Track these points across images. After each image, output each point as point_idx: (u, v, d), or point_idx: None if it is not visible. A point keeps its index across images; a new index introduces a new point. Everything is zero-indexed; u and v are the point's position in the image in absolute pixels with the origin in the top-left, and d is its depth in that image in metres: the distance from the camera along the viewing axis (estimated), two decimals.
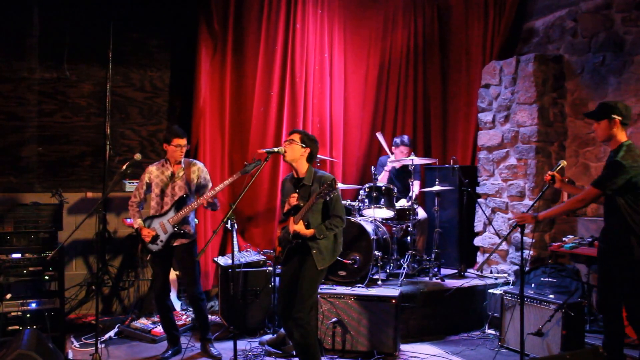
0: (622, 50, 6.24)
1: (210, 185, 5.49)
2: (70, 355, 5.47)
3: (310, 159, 4.75)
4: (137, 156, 5.21)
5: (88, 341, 5.79)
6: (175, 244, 5.33)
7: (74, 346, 5.71)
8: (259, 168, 4.68)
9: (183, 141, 5.29)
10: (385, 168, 7.22)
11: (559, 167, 4.85)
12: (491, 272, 7.07)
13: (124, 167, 5.15)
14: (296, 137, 4.70)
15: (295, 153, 4.68)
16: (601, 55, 6.46)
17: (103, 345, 5.66)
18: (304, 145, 4.67)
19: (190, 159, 5.54)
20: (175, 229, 5.25)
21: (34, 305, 5.57)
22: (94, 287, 6.70)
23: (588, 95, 6.58)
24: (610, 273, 4.63)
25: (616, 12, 6.32)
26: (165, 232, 5.25)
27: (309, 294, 4.64)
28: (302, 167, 4.73)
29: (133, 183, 6.48)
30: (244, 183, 4.66)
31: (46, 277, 5.71)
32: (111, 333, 6.00)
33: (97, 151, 6.92)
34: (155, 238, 5.23)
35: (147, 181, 5.38)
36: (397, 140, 7.30)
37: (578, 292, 5.81)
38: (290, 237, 4.63)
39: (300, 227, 4.52)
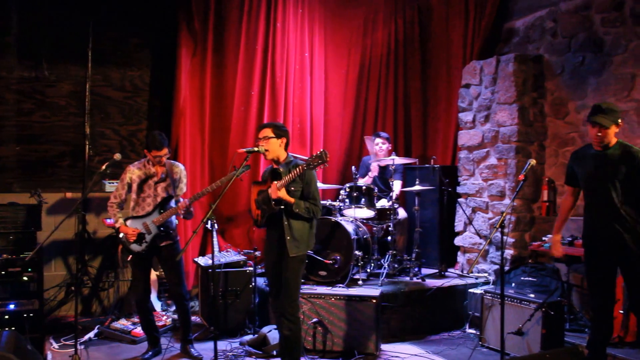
0: (602, 50, 6.27)
1: (185, 190, 5.48)
2: (50, 357, 5.43)
3: (286, 146, 4.83)
4: (117, 156, 5.18)
5: (67, 342, 5.76)
6: (161, 244, 5.30)
7: (53, 347, 5.67)
8: (242, 172, 4.67)
9: (162, 152, 5.22)
10: (370, 174, 7.22)
11: (529, 165, 4.87)
12: (471, 272, 7.09)
13: (104, 167, 5.13)
14: (269, 132, 4.73)
15: (275, 147, 4.74)
16: (581, 55, 6.49)
17: (82, 347, 5.61)
18: (278, 137, 4.73)
19: (172, 161, 5.51)
20: (161, 230, 5.23)
21: (12, 306, 5.48)
22: (73, 287, 6.64)
23: (568, 96, 6.61)
24: (612, 270, 4.68)
25: (595, 12, 6.35)
26: (150, 233, 5.21)
27: (294, 286, 4.73)
28: (282, 156, 4.81)
29: (113, 183, 6.44)
30: (225, 182, 4.65)
31: (25, 278, 5.63)
32: (91, 334, 5.96)
33: (77, 151, 6.87)
34: (140, 238, 5.19)
35: (129, 181, 5.32)
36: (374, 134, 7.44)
37: (558, 291, 5.84)
38: (273, 203, 4.64)
39: (283, 194, 4.56)
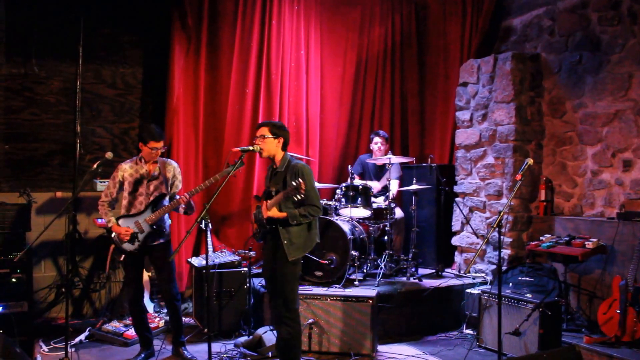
0: (599, 49, 6.24)
1: (180, 187, 5.40)
2: None
3: (285, 146, 4.76)
4: (109, 155, 5.10)
5: (57, 345, 5.66)
6: (153, 244, 5.22)
7: (43, 350, 5.57)
8: (236, 168, 4.58)
9: (159, 144, 5.14)
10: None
11: (526, 165, 4.82)
12: (469, 272, 7.05)
13: (95, 165, 5.05)
14: (265, 130, 4.68)
15: (271, 147, 4.69)
16: (578, 54, 6.46)
17: (73, 349, 5.52)
18: (275, 137, 4.67)
19: (165, 159, 5.43)
20: (154, 228, 5.14)
21: (0, 308, 5.43)
22: (63, 289, 6.54)
23: (565, 94, 6.58)
24: None
25: (592, 11, 6.33)
26: (142, 232, 5.12)
27: (290, 289, 4.68)
28: (278, 156, 4.75)
29: (104, 182, 6.36)
30: (219, 182, 4.58)
31: (14, 280, 5.57)
32: (82, 336, 5.88)
33: (67, 149, 6.76)
34: (133, 237, 5.10)
35: (120, 179, 5.22)
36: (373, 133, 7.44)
37: (555, 291, 5.82)
38: (265, 222, 4.65)
39: (273, 212, 4.54)
